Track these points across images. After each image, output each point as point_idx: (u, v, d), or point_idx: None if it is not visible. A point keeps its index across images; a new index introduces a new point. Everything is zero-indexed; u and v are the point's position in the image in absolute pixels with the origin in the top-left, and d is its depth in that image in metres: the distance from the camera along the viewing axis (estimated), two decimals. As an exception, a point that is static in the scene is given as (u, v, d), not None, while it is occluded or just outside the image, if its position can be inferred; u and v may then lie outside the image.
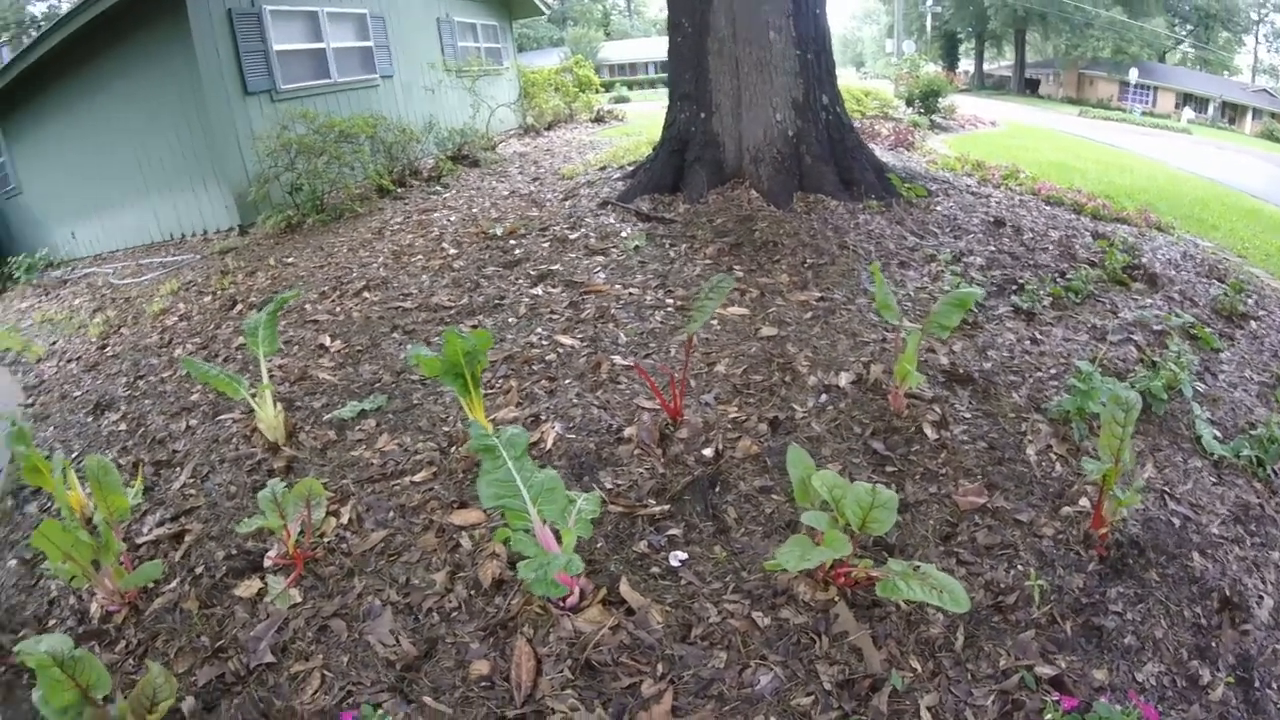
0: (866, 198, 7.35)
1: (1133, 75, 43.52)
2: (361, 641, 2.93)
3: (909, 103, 19.10)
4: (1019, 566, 3.06)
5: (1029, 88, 51.57)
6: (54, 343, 8.81)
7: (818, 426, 3.89)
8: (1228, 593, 3.08)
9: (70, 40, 11.07)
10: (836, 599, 2.82)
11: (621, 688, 2.57)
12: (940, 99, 19.20)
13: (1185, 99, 43.99)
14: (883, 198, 7.42)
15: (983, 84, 53.88)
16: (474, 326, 5.06)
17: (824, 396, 4.14)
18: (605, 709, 2.50)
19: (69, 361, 7.80)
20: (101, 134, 12.30)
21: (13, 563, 4.44)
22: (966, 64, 58.37)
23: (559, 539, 2.75)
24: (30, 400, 7.15)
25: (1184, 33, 49.50)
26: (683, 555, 3.11)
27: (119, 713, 2.51)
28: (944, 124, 18.13)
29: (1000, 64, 59.34)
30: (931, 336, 4.02)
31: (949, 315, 3.68)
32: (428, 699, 2.63)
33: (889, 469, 3.61)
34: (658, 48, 52.81)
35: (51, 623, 3.74)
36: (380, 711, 2.49)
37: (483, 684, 2.65)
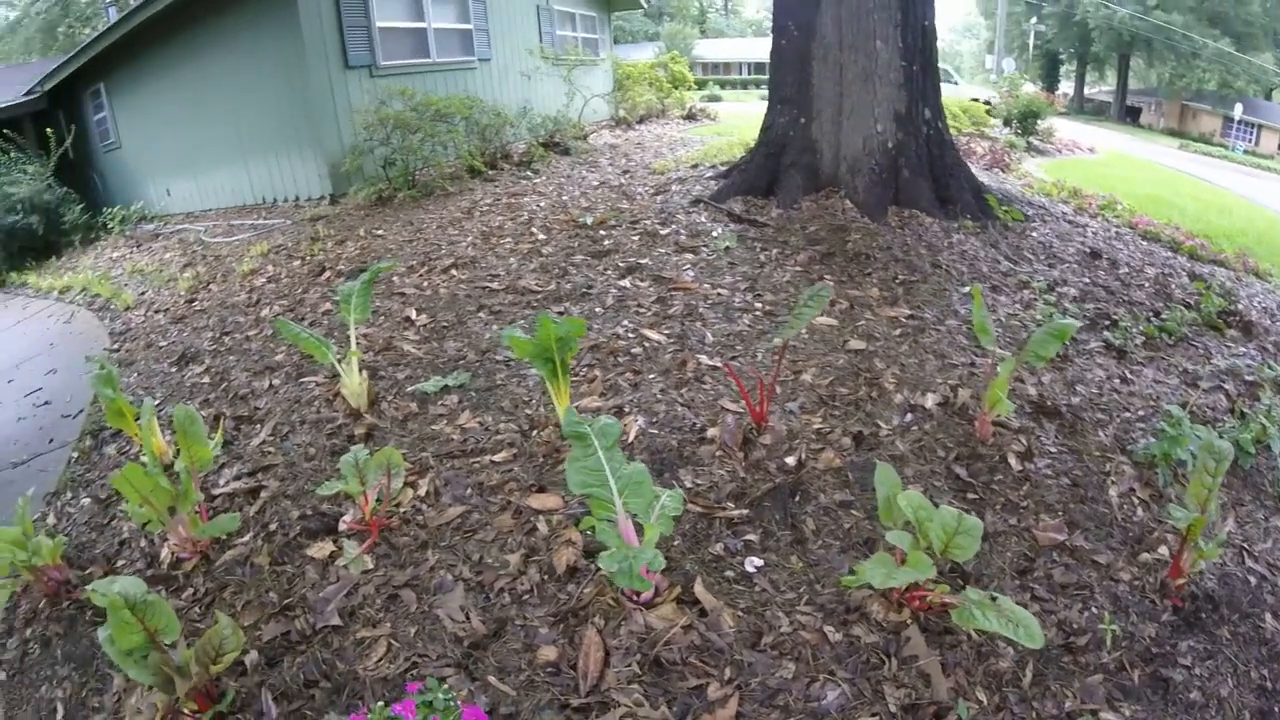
0: (962, 217, 7.21)
1: (1237, 111, 42.15)
2: (430, 614, 2.96)
3: (1006, 122, 18.68)
4: (1093, 609, 2.97)
5: (1129, 115, 50.22)
6: (143, 293, 9.07)
7: (901, 446, 3.83)
8: (1295, 658, 2.97)
9: (176, 4, 11.39)
10: (909, 621, 2.76)
11: (688, 688, 2.54)
12: (1039, 121, 18.74)
13: (1290, 140, 42.50)
14: (978, 218, 7.26)
15: (1082, 108, 52.56)
16: (561, 313, 5.09)
17: (909, 416, 4.07)
18: (670, 707, 2.49)
19: (157, 312, 8.02)
20: (201, 96, 12.66)
21: (86, 500, 4.58)
22: (1066, 86, 57.01)
23: (639, 533, 2.74)
24: (116, 346, 7.38)
25: (1293, 71, 47.74)
26: (758, 561, 3.08)
27: (183, 659, 2.55)
28: (1041, 147, 17.69)
29: (1101, 89, 57.85)
30: (1025, 366, 3.93)
31: (1046, 345, 3.59)
32: (492, 678, 2.64)
33: (970, 496, 3.53)
34: (753, 48, 52.46)
35: (120, 563, 3.84)
36: (445, 686, 2.50)
37: (549, 669, 2.65)
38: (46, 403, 6.70)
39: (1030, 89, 24.94)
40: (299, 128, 11.16)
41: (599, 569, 2.98)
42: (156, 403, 5.29)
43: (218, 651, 2.60)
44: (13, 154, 14.45)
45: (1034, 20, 51.34)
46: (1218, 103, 43.96)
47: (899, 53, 7.23)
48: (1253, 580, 3.31)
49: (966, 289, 5.71)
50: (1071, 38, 49.69)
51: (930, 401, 4.19)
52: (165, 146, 14.24)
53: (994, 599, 2.51)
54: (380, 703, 2.44)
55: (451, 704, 2.37)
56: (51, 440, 5.81)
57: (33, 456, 5.68)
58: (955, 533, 2.61)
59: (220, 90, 12.23)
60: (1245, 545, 3.52)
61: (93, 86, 15.68)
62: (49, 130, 15.09)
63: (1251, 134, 43.20)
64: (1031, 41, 52.82)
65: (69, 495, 4.78)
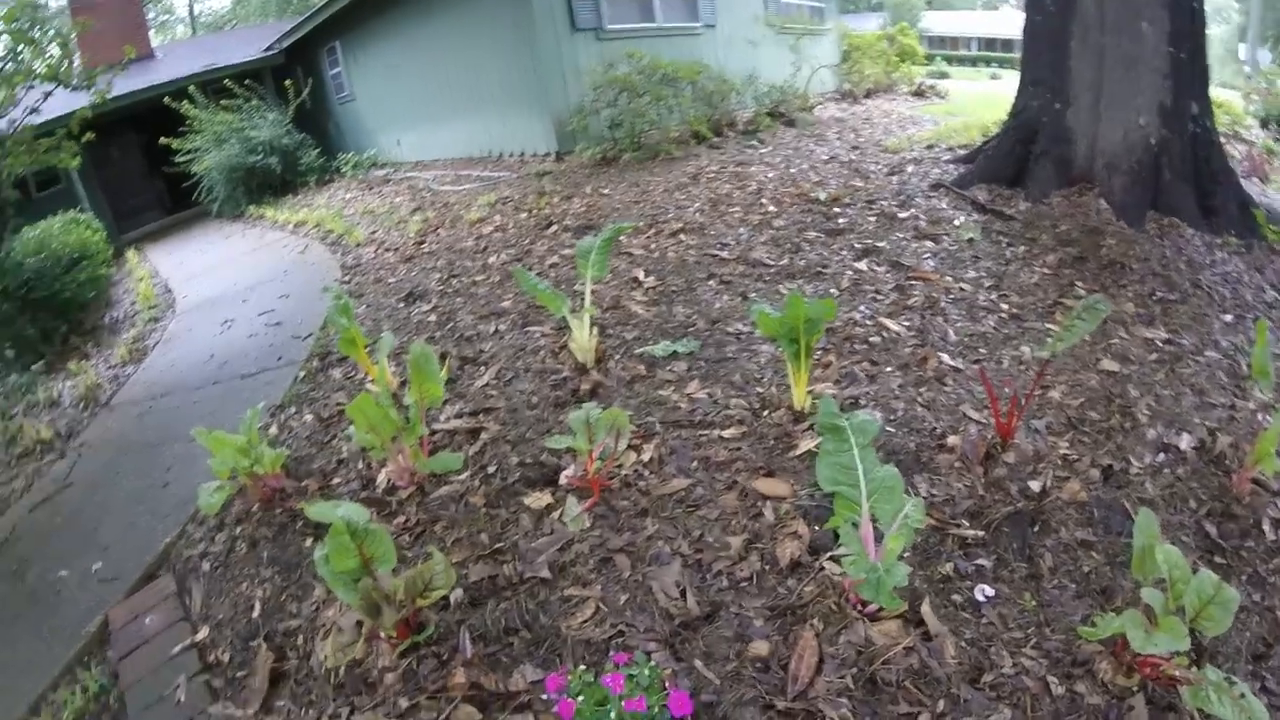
0: (1225, 232, 6.44)
1: None
2: (643, 585, 2.91)
3: (1265, 124, 16.92)
4: (1323, 711, 2.57)
5: (1405, 127, 44.86)
6: (373, 232, 9.57)
7: (1151, 488, 3.44)
8: None
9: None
10: (1136, 690, 2.46)
11: (899, 713, 2.36)
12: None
13: None
14: (1243, 236, 6.46)
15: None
16: (793, 290, 4.93)
17: (1162, 455, 3.66)
18: (876, 731, 2.32)
19: (386, 250, 8.43)
20: (432, 55, 13.35)
21: (309, 417, 4.88)
22: (1331, 88, 51.35)
23: (878, 539, 2.59)
24: (347, 278, 7.83)
25: None
26: (989, 591, 2.84)
27: (392, 588, 2.63)
28: (1302, 156, 15.96)
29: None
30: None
31: (1328, 399, 3.20)
32: (699, 663, 2.56)
33: (1217, 559, 3.13)
34: (983, 23, 49.91)
35: (336, 481, 4.04)
36: (652, 663, 2.44)
37: (757, 665, 2.54)
38: (278, 323, 7.21)
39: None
40: (527, 86, 11.50)
41: (823, 568, 2.87)
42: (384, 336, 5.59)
43: (427, 586, 2.69)
44: (255, 102, 15.94)
45: (1293, 4, 46.26)
46: None
47: (1166, 37, 6.49)
48: None
49: (1229, 317, 5.14)
50: (1339, 28, 44.63)
51: (1185, 443, 3.76)
52: (396, 100, 15.14)
53: (1232, 683, 2.24)
54: (582, 666, 2.41)
55: (656, 682, 2.31)
56: (280, 358, 6.25)
57: (260, 370, 6.14)
58: (1210, 602, 2.32)
59: (451, 49, 12.81)
60: None
61: (328, 44, 16.92)
62: (287, 82, 16.48)
63: None
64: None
65: (292, 410, 5.12)
